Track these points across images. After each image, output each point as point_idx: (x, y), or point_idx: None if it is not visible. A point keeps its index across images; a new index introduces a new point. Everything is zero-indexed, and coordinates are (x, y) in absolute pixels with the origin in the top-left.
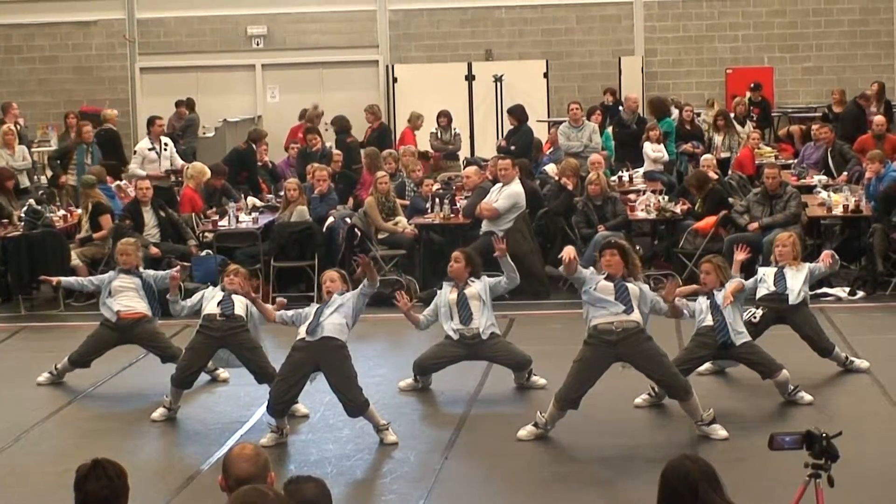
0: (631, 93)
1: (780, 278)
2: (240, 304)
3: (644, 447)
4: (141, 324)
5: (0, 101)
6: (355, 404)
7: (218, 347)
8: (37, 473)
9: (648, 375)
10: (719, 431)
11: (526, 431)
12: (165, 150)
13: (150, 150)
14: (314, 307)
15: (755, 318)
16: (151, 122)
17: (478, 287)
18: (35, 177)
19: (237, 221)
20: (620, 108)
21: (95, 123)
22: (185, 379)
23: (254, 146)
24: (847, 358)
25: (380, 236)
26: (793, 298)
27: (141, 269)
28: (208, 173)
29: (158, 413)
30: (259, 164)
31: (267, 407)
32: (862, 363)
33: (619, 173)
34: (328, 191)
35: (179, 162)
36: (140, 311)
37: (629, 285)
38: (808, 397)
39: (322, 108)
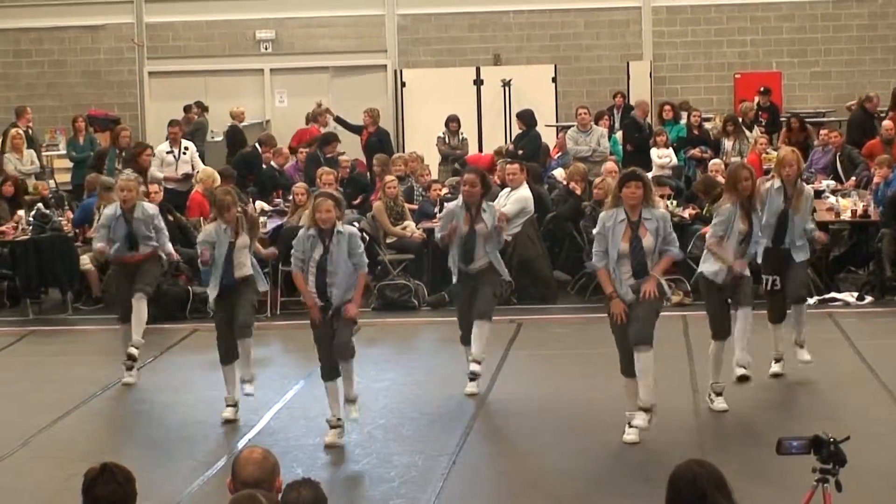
0: (640, 98)
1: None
2: (240, 268)
3: (652, 450)
4: (150, 260)
5: (9, 106)
6: (346, 346)
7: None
8: (44, 478)
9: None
10: (638, 421)
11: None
12: (185, 153)
13: (167, 153)
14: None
15: (777, 285)
16: (172, 124)
17: (488, 221)
18: (43, 181)
19: None
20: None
21: (101, 128)
22: (228, 353)
23: (258, 148)
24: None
25: (388, 241)
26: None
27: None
28: (218, 179)
29: (229, 412)
30: (276, 168)
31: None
32: (804, 355)
33: None
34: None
35: (201, 166)
36: (146, 253)
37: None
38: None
39: (325, 105)
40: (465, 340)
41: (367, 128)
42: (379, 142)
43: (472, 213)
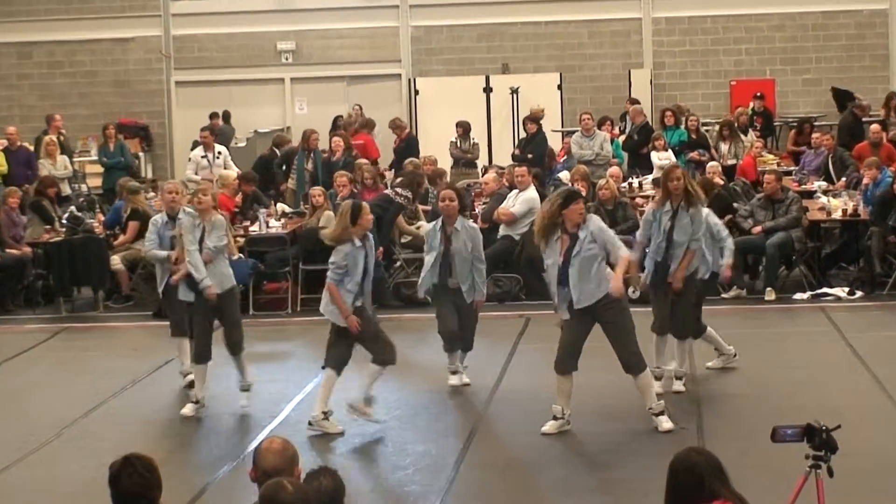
0: (639, 104)
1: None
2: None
3: (654, 439)
4: None
5: (44, 114)
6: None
7: None
8: (77, 467)
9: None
10: (664, 423)
11: (548, 426)
12: (218, 157)
13: (202, 157)
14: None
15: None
16: (203, 130)
17: (463, 238)
18: (76, 185)
19: (267, 227)
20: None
21: (131, 135)
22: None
23: (276, 151)
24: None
25: (403, 240)
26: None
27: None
28: (233, 181)
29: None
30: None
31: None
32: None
33: (630, 179)
34: (350, 196)
35: (235, 169)
36: None
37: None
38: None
39: (350, 113)
40: (450, 349)
41: (398, 136)
42: (407, 147)
43: (446, 231)
